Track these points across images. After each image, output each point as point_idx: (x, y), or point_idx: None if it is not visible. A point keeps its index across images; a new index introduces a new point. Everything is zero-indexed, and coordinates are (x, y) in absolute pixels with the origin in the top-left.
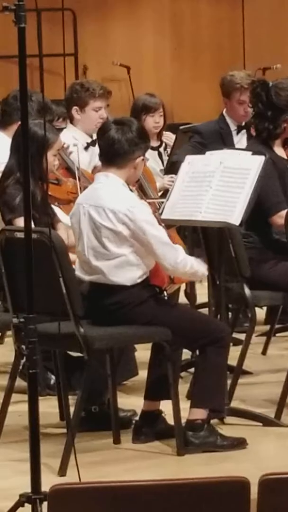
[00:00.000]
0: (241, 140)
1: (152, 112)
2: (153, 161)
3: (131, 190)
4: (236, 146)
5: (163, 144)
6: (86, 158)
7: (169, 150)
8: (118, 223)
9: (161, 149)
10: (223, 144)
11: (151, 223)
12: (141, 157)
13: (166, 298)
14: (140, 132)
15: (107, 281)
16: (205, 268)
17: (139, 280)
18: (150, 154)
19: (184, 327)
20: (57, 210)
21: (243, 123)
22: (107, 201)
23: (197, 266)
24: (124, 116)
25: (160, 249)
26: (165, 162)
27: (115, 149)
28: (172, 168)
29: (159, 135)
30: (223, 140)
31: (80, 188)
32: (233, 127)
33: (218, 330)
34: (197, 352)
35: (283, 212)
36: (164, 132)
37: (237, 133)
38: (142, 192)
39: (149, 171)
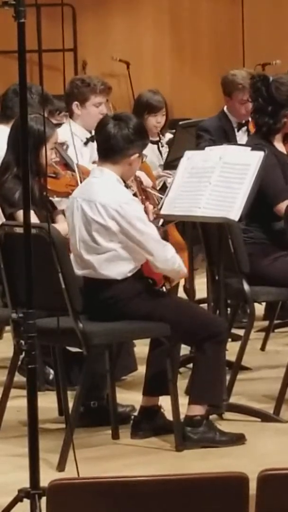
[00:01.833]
0: (242, 137)
1: (155, 112)
2: (153, 155)
3: (126, 186)
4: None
5: (160, 141)
6: (87, 153)
7: (165, 147)
8: (108, 218)
9: (159, 146)
10: (227, 140)
11: (141, 220)
12: (137, 154)
13: (165, 291)
14: (137, 129)
15: (97, 275)
16: (185, 269)
17: (129, 274)
18: (151, 148)
19: (181, 322)
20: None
21: (243, 121)
22: (99, 195)
23: (183, 266)
24: (123, 112)
25: (150, 246)
26: (163, 157)
27: (110, 145)
28: (172, 165)
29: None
30: (227, 136)
31: (81, 181)
32: (234, 124)
33: (215, 324)
34: (195, 348)
35: None
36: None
37: (238, 130)
38: (142, 189)
39: (148, 166)
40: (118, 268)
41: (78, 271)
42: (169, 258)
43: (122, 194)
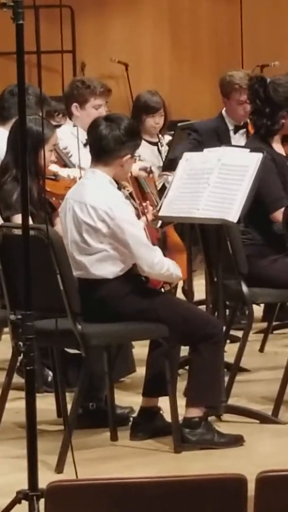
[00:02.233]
0: (239, 140)
1: (153, 112)
2: (153, 156)
3: (119, 187)
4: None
5: (160, 142)
6: (86, 155)
7: (164, 147)
8: (98, 220)
9: (159, 146)
10: (220, 143)
11: (130, 223)
12: (129, 155)
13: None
14: (129, 130)
15: (89, 275)
16: (180, 272)
17: (121, 273)
18: (150, 149)
19: (176, 322)
20: None
21: (241, 123)
22: (89, 197)
23: (173, 269)
24: (116, 113)
25: (137, 250)
26: (163, 158)
27: (101, 146)
28: (170, 165)
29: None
30: (219, 138)
31: None
32: (231, 127)
33: (211, 325)
34: (191, 349)
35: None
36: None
37: (235, 132)
38: (140, 188)
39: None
40: (109, 267)
41: (73, 272)
42: (155, 263)
43: (113, 196)
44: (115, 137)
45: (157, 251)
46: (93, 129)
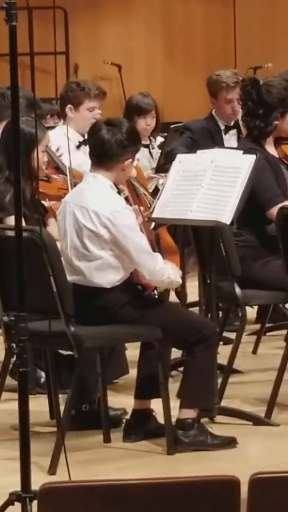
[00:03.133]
0: (230, 140)
1: (144, 114)
2: (144, 157)
3: (118, 191)
4: (226, 146)
5: (151, 144)
6: (80, 157)
7: (156, 150)
8: (100, 226)
9: (150, 148)
10: (213, 143)
11: (133, 229)
12: (130, 160)
13: (156, 296)
14: (130, 134)
15: (87, 282)
16: (180, 277)
17: (118, 283)
18: (141, 151)
19: (171, 326)
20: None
21: (232, 123)
22: (91, 202)
23: (173, 276)
24: (116, 117)
25: (139, 257)
26: (155, 160)
27: (104, 150)
28: (167, 157)
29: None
30: (212, 138)
31: (71, 185)
32: (222, 127)
33: (206, 328)
34: (185, 351)
35: (281, 204)
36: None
37: (225, 133)
38: (134, 191)
39: (140, 169)
40: (107, 276)
41: (68, 277)
42: (157, 270)
43: (115, 202)
44: (117, 141)
45: (158, 258)
46: (94, 134)
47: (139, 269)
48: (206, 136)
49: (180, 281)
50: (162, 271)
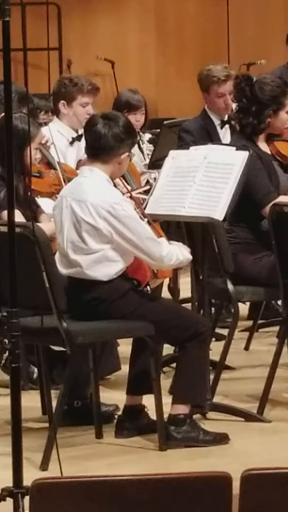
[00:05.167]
0: (225, 135)
1: (134, 110)
2: (135, 155)
3: (114, 184)
4: (221, 141)
5: (141, 139)
6: (73, 153)
7: (146, 145)
8: (99, 219)
9: (141, 144)
10: (210, 140)
11: (134, 219)
12: (127, 153)
13: (149, 292)
14: (127, 128)
15: (83, 275)
16: (189, 252)
17: (114, 276)
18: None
19: (164, 322)
20: (43, 200)
21: (226, 118)
22: (90, 196)
23: (182, 256)
24: (111, 111)
25: (144, 245)
26: (145, 156)
27: (100, 144)
28: (157, 165)
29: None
30: (209, 135)
31: (64, 180)
32: (216, 122)
33: (199, 324)
34: (178, 348)
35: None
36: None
37: (221, 127)
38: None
39: (133, 164)
40: (105, 269)
41: (63, 270)
42: (164, 255)
43: (113, 195)
44: (114, 135)
45: (163, 242)
46: (90, 128)
47: (146, 257)
48: (204, 135)
49: (190, 256)
50: (169, 255)
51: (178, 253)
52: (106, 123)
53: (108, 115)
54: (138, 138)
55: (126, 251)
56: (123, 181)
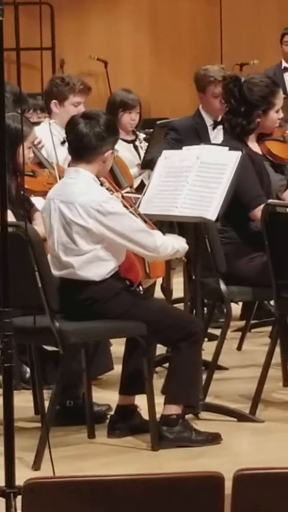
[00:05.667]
0: (217, 135)
1: (129, 109)
2: (129, 154)
3: (101, 183)
4: (213, 142)
5: (137, 138)
6: (63, 152)
7: (144, 144)
8: (89, 219)
9: (137, 143)
10: (199, 140)
11: (124, 214)
12: (110, 151)
13: (141, 292)
14: (108, 126)
15: (76, 276)
16: (184, 242)
17: (107, 276)
18: (127, 147)
19: (157, 322)
20: (37, 199)
21: (219, 118)
22: (78, 197)
23: (177, 245)
24: (92, 110)
25: (137, 238)
26: (141, 155)
27: (83, 144)
28: (147, 166)
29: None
30: (198, 135)
31: (60, 178)
32: (209, 122)
33: (191, 325)
34: (171, 348)
35: (263, 206)
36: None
37: (213, 128)
38: (116, 183)
39: (123, 161)
40: (97, 269)
41: (56, 272)
42: (159, 246)
43: (100, 193)
44: (95, 134)
45: (157, 233)
46: (72, 128)
47: (140, 250)
48: (192, 134)
49: (187, 246)
50: (164, 245)
51: (173, 242)
52: (87, 123)
53: (89, 114)
54: (135, 137)
55: (118, 249)
56: (113, 184)
